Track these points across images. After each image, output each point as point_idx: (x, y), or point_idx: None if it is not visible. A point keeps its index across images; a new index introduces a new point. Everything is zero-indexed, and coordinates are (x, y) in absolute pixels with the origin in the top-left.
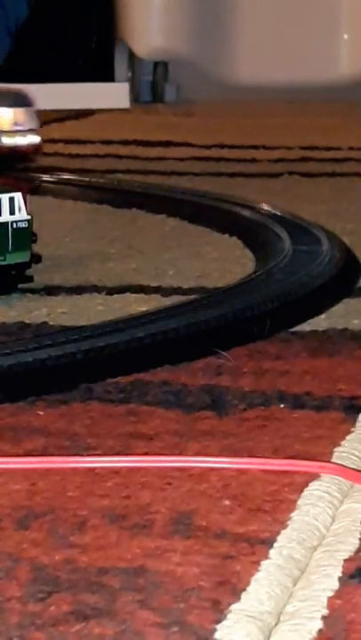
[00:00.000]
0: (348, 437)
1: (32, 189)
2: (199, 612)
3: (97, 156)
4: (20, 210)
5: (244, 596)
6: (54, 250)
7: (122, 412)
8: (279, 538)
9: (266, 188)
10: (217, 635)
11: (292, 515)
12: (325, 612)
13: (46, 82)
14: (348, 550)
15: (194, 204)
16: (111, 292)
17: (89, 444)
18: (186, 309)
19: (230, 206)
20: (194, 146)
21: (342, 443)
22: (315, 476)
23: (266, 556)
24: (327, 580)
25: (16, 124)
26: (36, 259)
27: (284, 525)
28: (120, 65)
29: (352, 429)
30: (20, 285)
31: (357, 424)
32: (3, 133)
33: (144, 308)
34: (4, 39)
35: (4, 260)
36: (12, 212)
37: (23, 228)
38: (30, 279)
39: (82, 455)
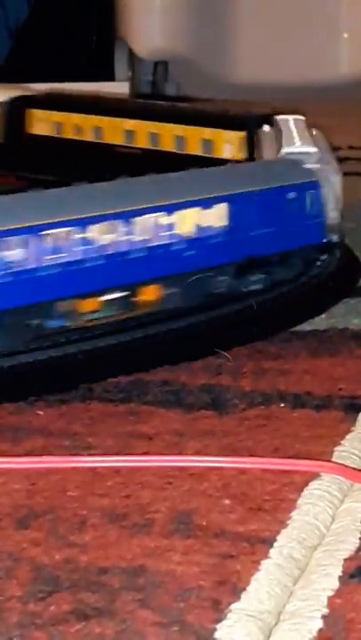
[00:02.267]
0: (348, 437)
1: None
2: (199, 611)
3: None
4: None
5: (244, 595)
6: None
7: (122, 411)
8: (279, 537)
9: None
10: (217, 634)
11: (293, 514)
12: (325, 611)
13: (46, 81)
14: (348, 549)
15: None
16: None
17: (89, 443)
18: (186, 310)
19: None
20: None
21: (342, 442)
22: (315, 476)
23: (266, 556)
24: (327, 580)
25: None
26: None
27: (284, 525)
28: (120, 64)
29: (352, 428)
30: None
31: (357, 423)
32: None
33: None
34: (4, 39)
35: None
36: None
37: None
38: None
39: (82, 455)
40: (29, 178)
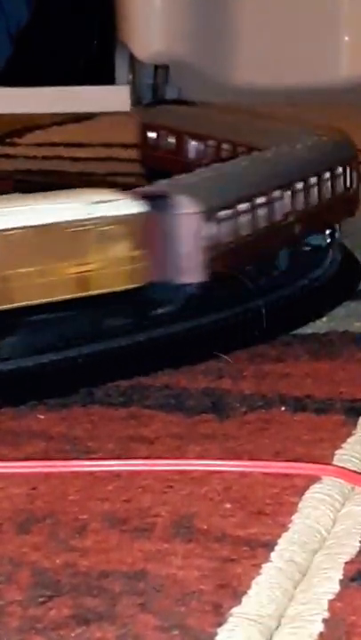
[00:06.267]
0: (349, 440)
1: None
2: (200, 615)
3: (97, 159)
4: None
5: (244, 599)
6: None
7: (123, 415)
8: (280, 541)
9: None
10: (218, 638)
11: (293, 517)
12: (326, 614)
13: (47, 85)
14: (349, 553)
15: None
16: None
17: (89, 447)
18: (187, 313)
19: None
20: None
21: (343, 445)
22: (316, 479)
23: (267, 559)
24: (328, 583)
25: None
26: None
27: (285, 528)
28: (121, 68)
29: (353, 432)
30: None
31: (358, 427)
32: None
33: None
34: (5, 43)
35: None
36: None
37: None
38: None
39: (82, 459)
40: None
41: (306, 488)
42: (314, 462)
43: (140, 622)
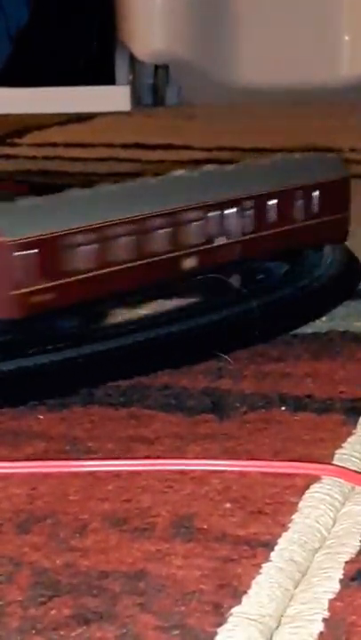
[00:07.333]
0: (349, 440)
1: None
2: (200, 615)
3: (98, 159)
4: None
5: (245, 598)
6: None
7: (123, 415)
8: (280, 540)
9: None
10: (218, 638)
11: (294, 517)
12: (326, 614)
13: (47, 85)
14: (349, 552)
15: None
16: None
17: (89, 447)
18: (186, 313)
19: None
20: (195, 149)
21: (343, 445)
22: (316, 479)
23: (267, 559)
24: (328, 583)
25: None
26: None
27: (285, 528)
28: (121, 68)
29: (353, 431)
30: None
31: (358, 426)
32: None
33: (144, 312)
34: (5, 43)
35: None
36: None
37: None
38: None
39: (82, 459)
40: (29, 182)
41: (306, 488)
42: (314, 462)
43: (140, 622)
